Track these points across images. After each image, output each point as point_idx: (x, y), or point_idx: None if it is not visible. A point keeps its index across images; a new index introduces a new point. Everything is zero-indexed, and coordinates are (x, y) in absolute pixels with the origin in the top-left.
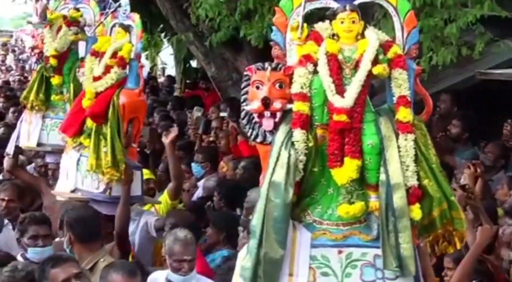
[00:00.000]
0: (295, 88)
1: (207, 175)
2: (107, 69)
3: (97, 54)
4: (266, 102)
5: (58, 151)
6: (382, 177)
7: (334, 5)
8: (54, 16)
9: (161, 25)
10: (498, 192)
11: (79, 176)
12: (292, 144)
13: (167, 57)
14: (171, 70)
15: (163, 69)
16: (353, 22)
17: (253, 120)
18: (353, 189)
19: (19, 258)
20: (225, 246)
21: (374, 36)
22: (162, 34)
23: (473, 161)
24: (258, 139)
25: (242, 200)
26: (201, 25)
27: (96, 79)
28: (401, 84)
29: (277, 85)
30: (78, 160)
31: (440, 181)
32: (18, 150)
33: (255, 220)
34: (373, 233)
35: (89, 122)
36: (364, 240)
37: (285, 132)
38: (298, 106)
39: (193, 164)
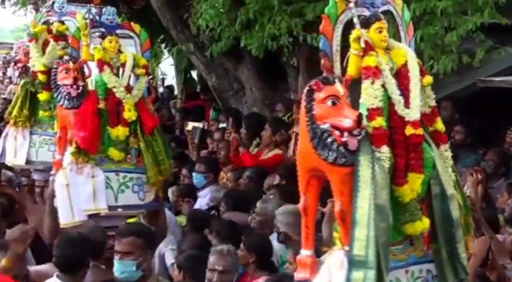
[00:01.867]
0: (374, 103)
1: (210, 185)
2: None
3: (109, 65)
4: (360, 120)
5: (48, 169)
6: (436, 189)
7: (367, 13)
8: (38, 29)
9: (161, 36)
10: (498, 200)
11: (110, 193)
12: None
13: (167, 67)
14: (172, 81)
15: (163, 79)
16: (387, 31)
17: (328, 141)
18: (418, 205)
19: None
20: None
21: (407, 46)
22: (163, 45)
23: (474, 168)
24: (340, 162)
25: (248, 210)
26: (201, 35)
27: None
28: (430, 95)
29: (348, 100)
30: (105, 177)
31: (461, 189)
32: (2, 166)
33: (362, 250)
34: (423, 248)
35: (122, 135)
36: (418, 256)
37: (369, 151)
38: (380, 122)
39: (194, 174)
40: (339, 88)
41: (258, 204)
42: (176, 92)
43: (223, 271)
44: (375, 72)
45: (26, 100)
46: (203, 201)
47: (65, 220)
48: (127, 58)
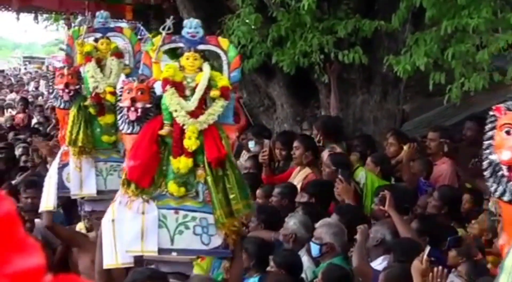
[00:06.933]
0: None
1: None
2: (201, 102)
3: (175, 84)
4: None
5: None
6: None
7: None
8: (89, 47)
9: None
10: None
11: (165, 234)
12: None
13: None
14: None
15: None
16: None
17: (499, 173)
18: None
19: None
20: (256, 272)
21: None
22: None
23: None
24: (506, 198)
25: (280, 225)
26: None
27: (191, 114)
28: None
29: None
30: (159, 215)
31: None
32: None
33: None
34: None
35: (183, 167)
36: None
37: None
38: None
39: None
40: None
41: (287, 220)
42: None
43: None
44: None
45: (87, 126)
46: None
47: (109, 260)
48: (202, 78)
